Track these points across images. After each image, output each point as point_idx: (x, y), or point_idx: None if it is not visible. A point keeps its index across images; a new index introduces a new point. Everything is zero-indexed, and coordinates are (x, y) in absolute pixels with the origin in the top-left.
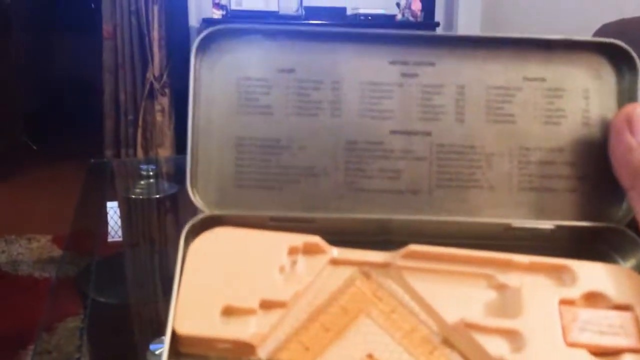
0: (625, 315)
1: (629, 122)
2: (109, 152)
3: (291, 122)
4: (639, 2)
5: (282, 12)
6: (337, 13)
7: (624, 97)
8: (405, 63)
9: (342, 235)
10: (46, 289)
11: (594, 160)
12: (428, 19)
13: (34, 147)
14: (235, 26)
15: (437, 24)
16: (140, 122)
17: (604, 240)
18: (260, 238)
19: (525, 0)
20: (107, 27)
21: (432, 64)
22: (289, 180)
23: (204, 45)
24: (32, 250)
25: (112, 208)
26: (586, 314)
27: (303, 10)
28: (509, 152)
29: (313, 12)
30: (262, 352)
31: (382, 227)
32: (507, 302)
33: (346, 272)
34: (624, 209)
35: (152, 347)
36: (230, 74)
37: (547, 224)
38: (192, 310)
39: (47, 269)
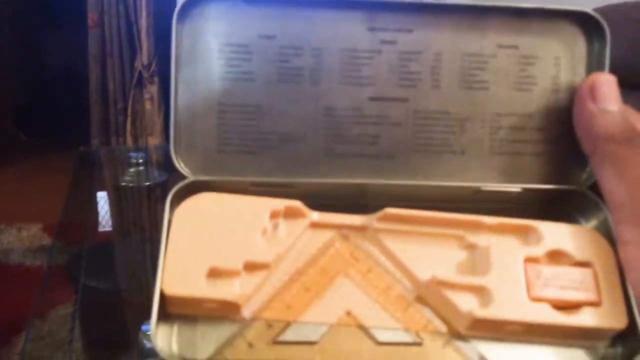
0: (585, 272)
1: (592, 90)
2: (96, 141)
3: (272, 88)
4: None
5: None
6: None
7: (593, 65)
8: (384, 29)
9: (321, 199)
10: (37, 278)
11: (562, 126)
12: None
13: (23, 138)
14: None
15: None
16: (129, 111)
17: (568, 202)
18: (243, 203)
19: None
20: (92, 16)
21: (410, 31)
22: (269, 146)
23: (185, 12)
24: (22, 239)
25: (103, 197)
26: (549, 270)
27: None
28: (482, 118)
29: None
30: (246, 311)
31: (360, 191)
32: (476, 260)
33: (325, 234)
34: (587, 172)
35: (144, 328)
36: (212, 40)
37: (514, 187)
38: (179, 272)
39: (38, 257)
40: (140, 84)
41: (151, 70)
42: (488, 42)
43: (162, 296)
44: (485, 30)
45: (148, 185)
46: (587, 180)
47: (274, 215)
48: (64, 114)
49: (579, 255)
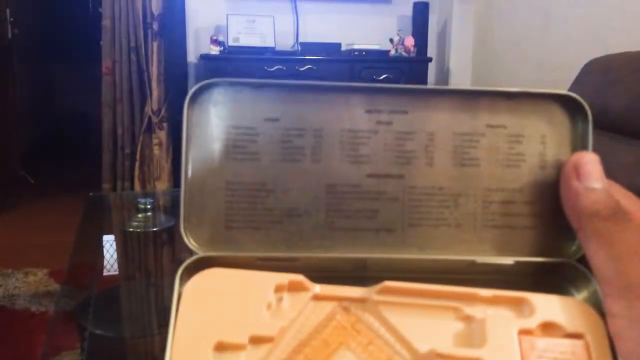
0: (577, 343)
1: (577, 169)
2: (106, 186)
3: (276, 167)
4: (622, 37)
5: (278, 48)
6: (332, 48)
7: (577, 142)
8: (380, 111)
9: (323, 272)
10: (42, 323)
11: (550, 200)
12: (421, 54)
13: (32, 181)
14: (224, 80)
15: (430, 60)
16: (138, 156)
17: (559, 274)
18: (249, 278)
19: (514, 35)
20: (106, 63)
21: (404, 112)
22: (274, 221)
23: (196, 97)
24: (29, 284)
25: (109, 241)
26: (542, 342)
27: (299, 46)
28: (474, 193)
29: (308, 47)
30: None
31: (360, 264)
32: (473, 332)
33: (327, 307)
34: (576, 245)
35: None
36: (220, 123)
37: (507, 260)
38: (186, 347)
39: (43, 302)
40: (149, 129)
41: (160, 115)
42: (478, 122)
43: None
44: (474, 111)
45: (155, 230)
46: (576, 253)
47: (278, 289)
48: (72, 157)
49: (570, 326)
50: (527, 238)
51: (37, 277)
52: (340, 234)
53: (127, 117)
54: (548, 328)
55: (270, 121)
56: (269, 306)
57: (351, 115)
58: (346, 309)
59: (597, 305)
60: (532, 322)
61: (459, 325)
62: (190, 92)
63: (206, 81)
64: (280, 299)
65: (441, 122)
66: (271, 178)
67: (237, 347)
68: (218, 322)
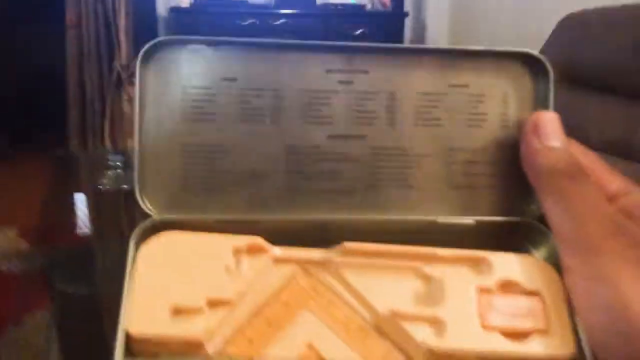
0: (534, 300)
1: (536, 128)
2: (74, 142)
3: (234, 128)
4: None
5: (251, 1)
6: (307, 2)
7: (539, 102)
8: (341, 71)
9: (284, 236)
10: (13, 283)
11: (511, 160)
12: (397, 9)
13: None
14: (178, 38)
15: (406, 14)
16: (107, 112)
17: (519, 233)
18: (206, 240)
19: None
20: (70, 15)
21: (365, 72)
22: (233, 184)
23: (149, 55)
24: None
25: (80, 200)
26: (500, 300)
27: (273, 0)
28: (436, 154)
29: (283, 1)
30: (210, 347)
31: (321, 227)
32: (432, 291)
33: (287, 269)
34: (536, 204)
35: None
36: (176, 82)
37: (468, 220)
38: (143, 311)
39: (13, 262)
40: (118, 85)
41: (130, 70)
42: (440, 81)
43: (127, 335)
44: (436, 70)
45: (126, 188)
46: (536, 212)
47: (237, 252)
48: (39, 115)
49: (528, 284)
50: (489, 198)
51: (6, 236)
52: (300, 197)
53: (95, 73)
54: (506, 286)
55: (227, 81)
56: (227, 269)
57: (311, 75)
58: (306, 271)
59: (555, 263)
60: (491, 280)
61: (419, 285)
62: (142, 50)
63: (159, 39)
64: (238, 262)
65: (403, 81)
66: (229, 140)
67: (194, 311)
68: (174, 286)
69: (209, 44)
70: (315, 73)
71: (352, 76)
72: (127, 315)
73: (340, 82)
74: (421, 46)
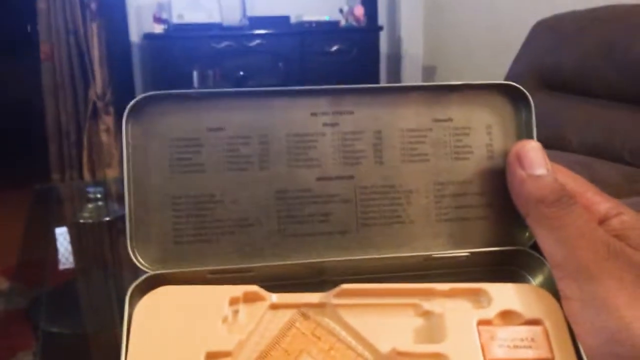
0: (536, 329)
1: (519, 158)
2: (55, 177)
3: (223, 177)
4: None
5: (225, 23)
6: (281, 22)
7: (522, 130)
8: (325, 113)
9: (278, 281)
10: None
11: (500, 189)
12: (371, 23)
13: None
14: (163, 92)
15: (381, 28)
16: (85, 143)
17: (514, 262)
18: (201, 293)
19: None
20: (44, 48)
21: (351, 113)
22: (224, 232)
23: (135, 110)
24: None
25: (62, 234)
26: (501, 331)
27: (247, 21)
28: (425, 188)
29: (257, 21)
30: None
31: (315, 269)
32: (432, 327)
33: (286, 315)
34: (528, 232)
35: None
36: (162, 136)
37: (462, 252)
38: None
39: None
40: (95, 115)
41: (106, 99)
42: (424, 117)
43: None
44: (419, 106)
45: (108, 220)
46: (529, 240)
47: (233, 302)
48: (15, 149)
49: (528, 313)
50: (481, 229)
51: None
52: (293, 241)
53: (71, 104)
54: (506, 316)
55: (213, 131)
56: (224, 320)
57: (296, 119)
58: (305, 316)
59: (553, 290)
60: (491, 312)
61: (419, 321)
62: (128, 107)
63: (144, 95)
64: (236, 312)
65: (388, 119)
66: (218, 189)
67: None
68: (172, 341)
69: (194, 96)
70: (301, 117)
71: (338, 117)
72: None
73: (326, 124)
74: (404, 84)
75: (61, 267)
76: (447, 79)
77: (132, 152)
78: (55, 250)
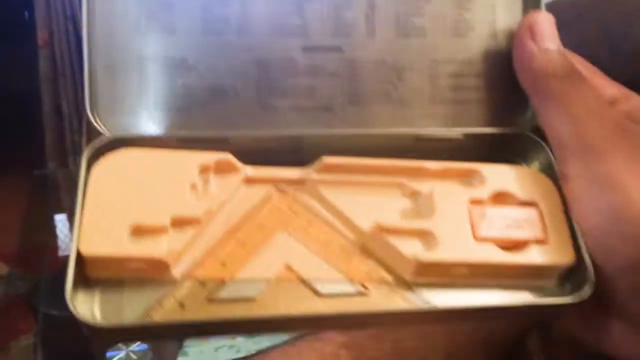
0: (530, 211)
1: (531, 29)
2: (52, 164)
3: (197, 41)
4: None
5: None
6: None
7: (529, 6)
8: None
9: (255, 155)
10: None
11: (501, 70)
12: None
13: None
14: None
15: None
16: (85, 129)
17: (511, 147)
18: (168, 157)
19: None
20: (42, 35)
21: None
22: (197, 101)
23: None
24: None
25: (61, 221)
26: (494, 211)
27: None
28: (420, 66)
29: None
30: (177, 270)
31: (296, 143)
32: (420, 207)
33: (261, 190)
34: (528, 116)
35: (109, 354)
36: None
37: (455, 133)
38: (98, 230)
39: None
40: None
41: None
42: None
43: (80, 258)
44: None
45: None
46: (529, 124)
47: (204, 169)
48: (11, 137)
49: (523, 195)
50: (478, 112)
51: None
52: (272, 114)
53: (71, 91)
54: (500, 198)
55: None
56: (193, 187)
57: None
58: (282, 191)
59: (550, 177)
60: (483, 193)
61: (405, 202)
62: None
63: None
64: (206, 181)
65: None
66: (191, 53)
67: (157, 231)
68: (133, 204)
69: None
70: None
71: None
72: (79, 236)
73: None
74: None
75: (60, 253)
76: None
77: (94, 6)
78: (55, 236)
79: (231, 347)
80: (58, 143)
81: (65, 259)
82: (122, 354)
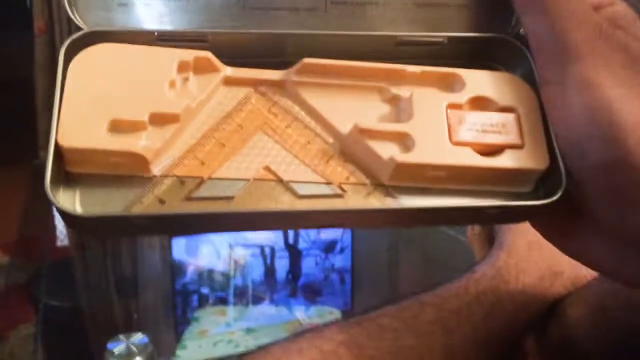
0: (508, 116)
1: None
2: (43, 154)
3: None
4: None
5: None
6: None
7: None
8: None
9: (236, 56)
10: None
11: None
12: None
13: None
14: None
15: None
16: None
17: (493, 52)
18: (147, 53)
19: None
20: (39, 24)
21: None
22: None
23: None
24: None
25: None
26: (471, 116)
27: None
28: None
29: None
30: (156, 168)
31: (277, 44)
32: (399, 111)
33: (241, 91)
34: (512, 23)
35: (109, 346)
36: None
37: (437, 37)
38: (76, 123)
39: None
40: None
41: None
42: None
43: (59, 151)
44: None
45: None
46: (512, 30)
47: (183, 67)
48: (7, 126)
49: (502, 100)
50: (461, 16)
51: None
52: (254, 14)
53: None
54: (478, 102)
55: None
56: (172, 84)
57: None
58: (262, 93)
59: (530, 83)
60: (462, 97)
61: (385, 106)
62: None
63: None
64: (185, 79)
65: None
66: None
67: (135, 126)
68: (112, 99)
69: None
70: None
71: None
72: (58, 128)
73: None
74: None
75: (59, 243)
76: None
77: None
78: (53, 226)
79: (230, 342)
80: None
81: (63, 249)
82: (122, 345)
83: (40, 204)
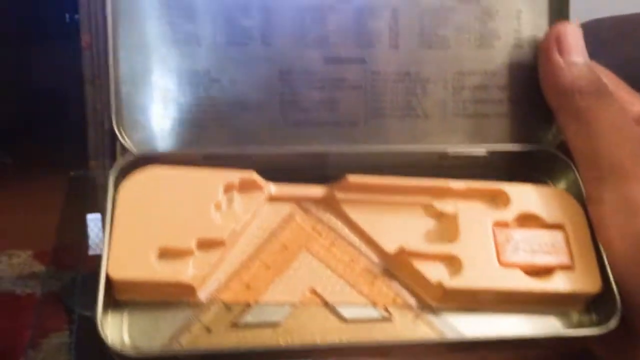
0: (557, 234)
1: (558, 42)
2: (93, 164)
3: (220, 52)
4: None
5: None
6: None
7: (555, 15)
8: None
9: (278, 172)
10: (28, 306)
11: (526, 83)
12: None
13: (10, 161)
14: None
15: None
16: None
17: (536, 164)
18: (193, 176)
19: None
20: (85, 38)
21: None
22: (220, 116)
23: None
24: (12, 266)
25: (93, 220)
26: (519, 234)
27: None
28: (444, 78)
29: None
30: (203, 293)
31: (319, 160)
32: (444, 228)
33: (284, 208)
34: (554, 131)
35: None
36: (152, 1)
37: (480, 150)
38: (126, 254)
39: (29, 284)
40: None
41: None
42: None
43: (109, 282)
44: None
45: None
46: (554, 140)
47: (228, 188)
48: (53, 136)
49: (549, 217)
50: (502, 126)
51: (20, 259)
52: (295, 130)
53: (105, 92)
54: (526, 219)
55: None
56: (218, 207)
57: None
58: (306, 210)
59: (576, 195)
60: (508, 214)
61: (430, 222)
62: None
63: None
64: (230, 200)
65: None
66: (215, 65)
67: (183, 253)
68: (159, 226)
69: None
70: None
71: None
72: (108, 260)
73: None
74: None
75: (91, 252)
76: None
77: (118, 18)
78: (86, 236)
79: None
80: (99, 144)
81: (95, 258)
82: None
83: (76, 214)
